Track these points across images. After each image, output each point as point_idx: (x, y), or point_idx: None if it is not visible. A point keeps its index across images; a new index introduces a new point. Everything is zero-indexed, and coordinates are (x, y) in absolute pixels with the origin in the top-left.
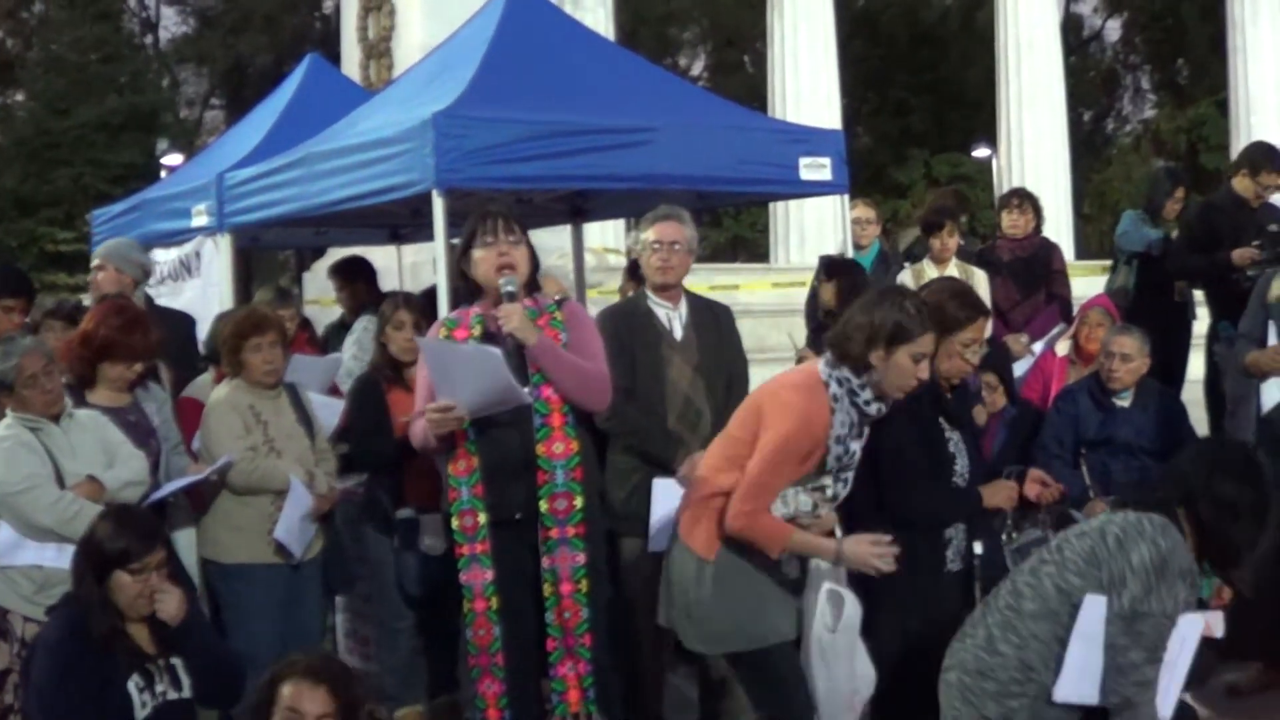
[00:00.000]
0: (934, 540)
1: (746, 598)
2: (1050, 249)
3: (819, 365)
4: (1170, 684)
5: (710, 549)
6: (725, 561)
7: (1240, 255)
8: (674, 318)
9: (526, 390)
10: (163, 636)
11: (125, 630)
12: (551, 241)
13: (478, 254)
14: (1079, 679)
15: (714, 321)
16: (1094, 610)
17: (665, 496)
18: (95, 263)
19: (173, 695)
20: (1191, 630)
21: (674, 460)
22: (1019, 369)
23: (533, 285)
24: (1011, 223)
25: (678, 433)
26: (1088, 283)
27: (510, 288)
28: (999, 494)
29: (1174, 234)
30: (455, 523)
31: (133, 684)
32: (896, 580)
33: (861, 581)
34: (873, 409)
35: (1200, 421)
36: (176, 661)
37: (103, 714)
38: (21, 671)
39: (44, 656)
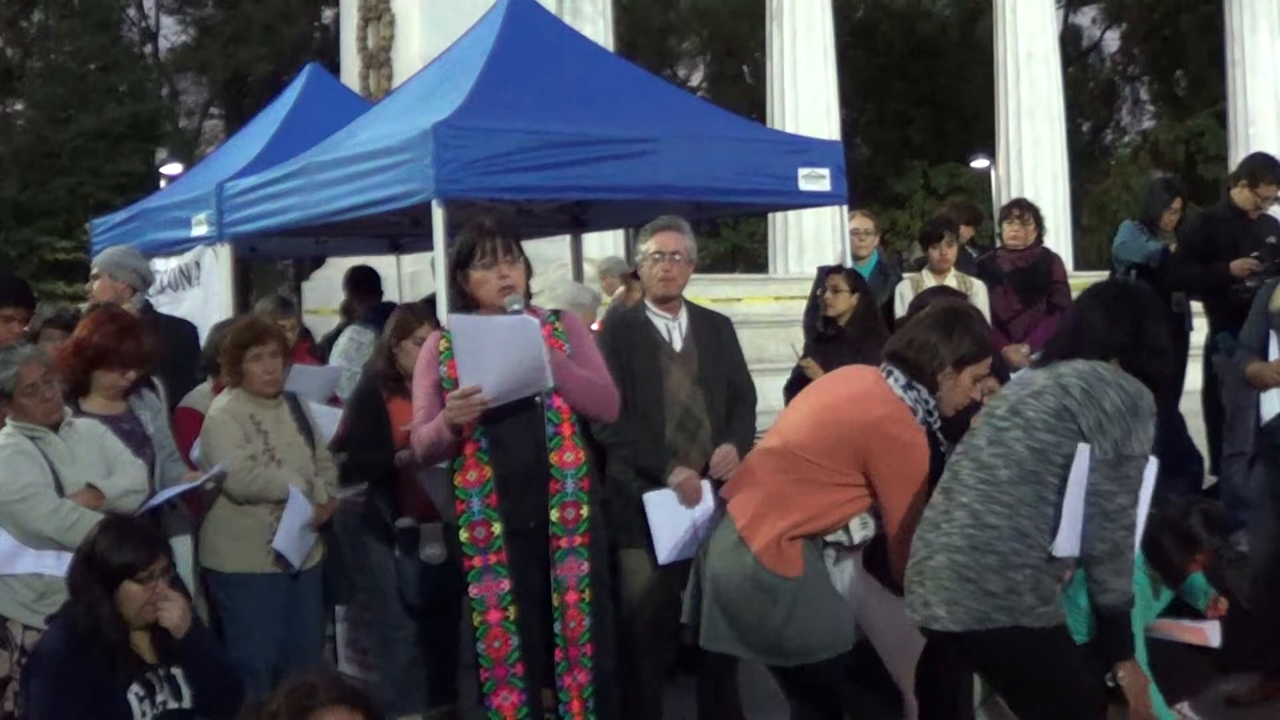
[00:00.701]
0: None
1: (833, 606)
2: (1051, 260)
3: (893, 387)
4: (1065, 511)
5: (794, 567)
6: (810, 575)
7: (1239, 266)
8: (673, 328)
9: (539, 399)
10: (164, 646)
11: (128, 639)
12: (550, 251)
13: (477, 275)
14: (1076, 530)
15: (714, 332)
16: (1085, 460)
17: (660, 509)
18: (93, 271)
19: (173, 705)
20: (1150, 472)
21: (666, 471)
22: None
23: (529, 296)
24: (1013, 233)
25: (675, 443)
26: None
27: (516, 306)
28: None
29: (1173, 245)
30: (465, 535)
31: (133, 694)
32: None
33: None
34: (937, 428)
35: (1198, 432)
36: (177, 671)
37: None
38: (22, 680)
39: (44, 666)
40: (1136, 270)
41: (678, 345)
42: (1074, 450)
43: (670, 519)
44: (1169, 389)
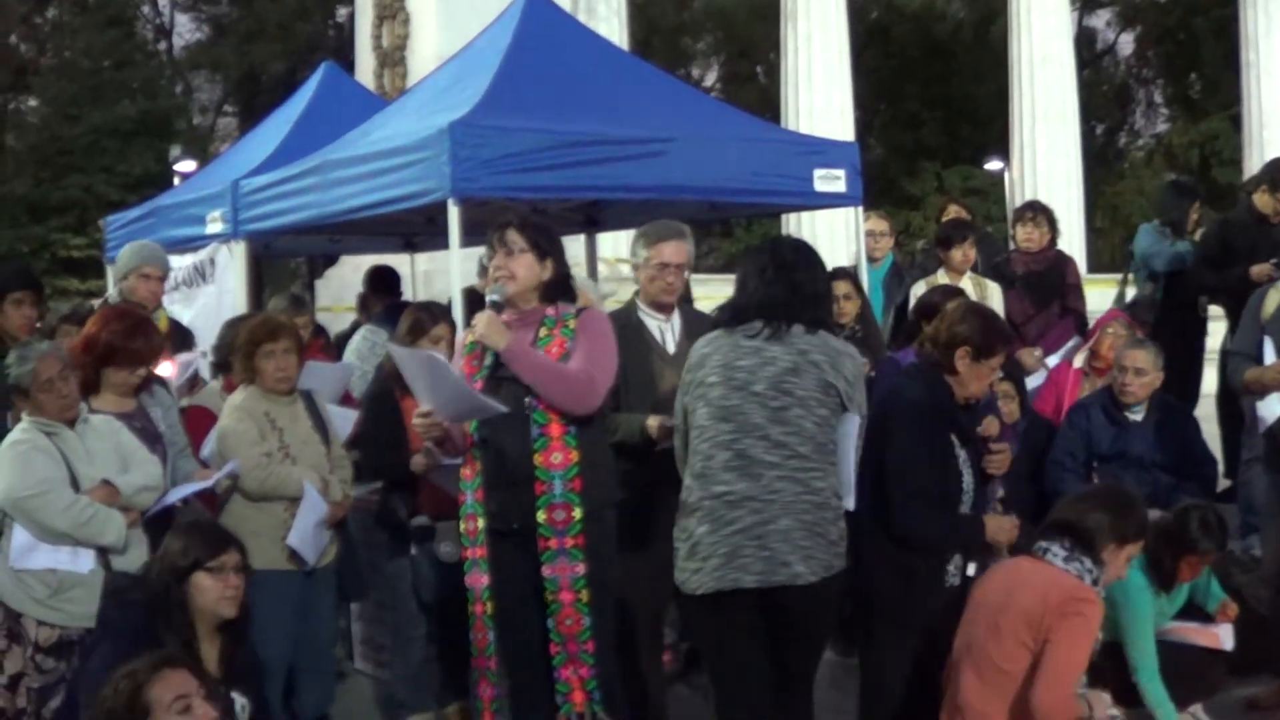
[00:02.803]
0: (935, 557)
1: None
2: (1065, 262)
3: (1052, 562)
4: (848, 474)
5: None
6: None
7: (1258, 271)
8: (666, 330)
9: (526, 400)
10: (229, 665)
11: (195, 646)
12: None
13: (486, 265)
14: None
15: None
16: (853, 426)
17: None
18: (144, 270)
19: None
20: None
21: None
22: (1031, 383)
23: (555, 292)
24: (1026, 236)
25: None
26: (1099, 296)
27: (494, 296)
28: (1001, 529)
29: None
30: (461, 526)
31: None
32: (897, 595)
33: (862, 596)
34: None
35: (1213, 436)
36: (236, 696)
37: None
38: (81, 667)
39: (106, 661)
40: (1164, 275)
41: (671, 348)
42: (843, 418)
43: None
44: (1184, 393)
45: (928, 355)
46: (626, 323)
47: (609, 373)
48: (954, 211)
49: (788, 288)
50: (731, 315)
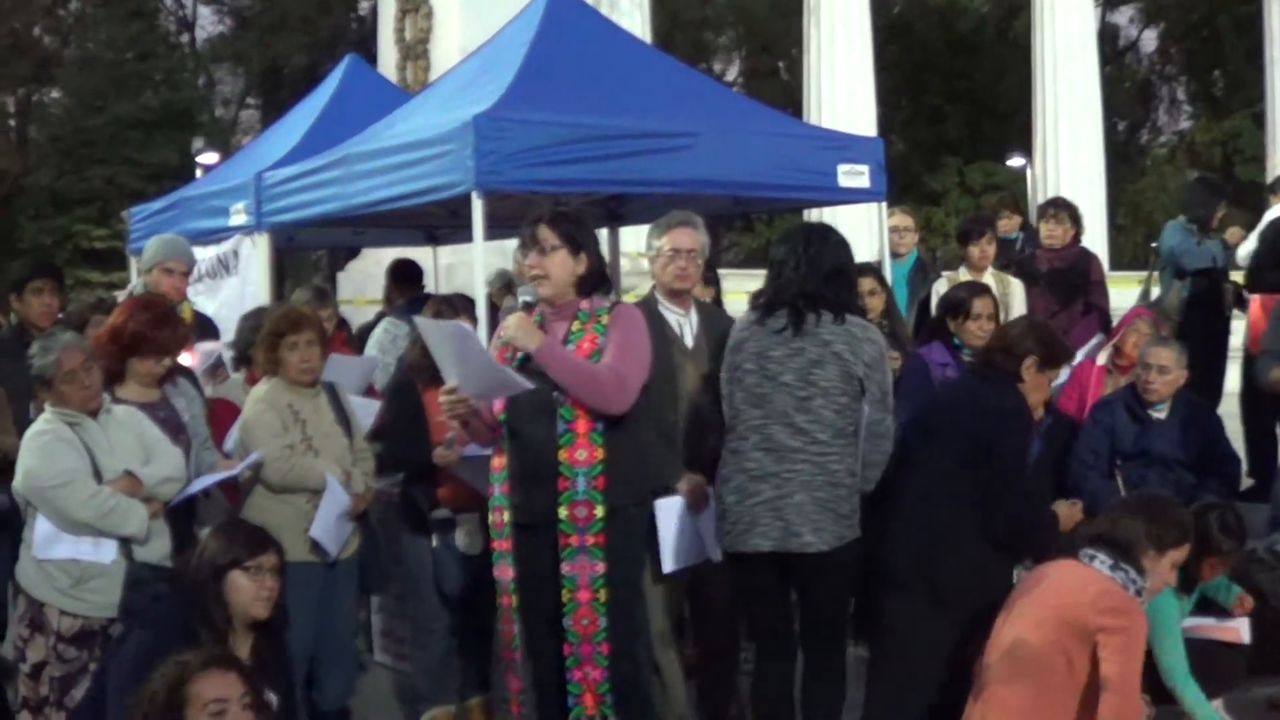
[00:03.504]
0: (1009, 561)
1: None
2: (1089, 259)
3: (1099, 569)
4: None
5: None
6: None
7: None
8: (685, 324)
9: (555, 395)
10: (261, 663)
11: (229, 642)
12: None
13: (519, 263)
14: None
15: (721, 330)
16: (865, 414)
17: (669, 517)
18: (168, 265)
19: None
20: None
21: (675, 479)
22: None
23: (589, 286)
24: (1049, 233)
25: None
26: (1122, 293)
27: (525, 297)
28: (1071, 516)
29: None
30: (490, 518)
31: None
32: (971, 594)
33: (933, 591)
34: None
35: (1236, 434)
36: (266, 691)
37: None
38: (111, 653)
39: (139, 651)
40: (1191, 274)
41: (689, 341)
42: (859, 406)
43: (677, 526)
44: (1208, 390)
45: (998, 364)
46: (647, 314)
47: (641, 370)
48: (1005, 214)
49: (815, 278)
50: (765, 304)
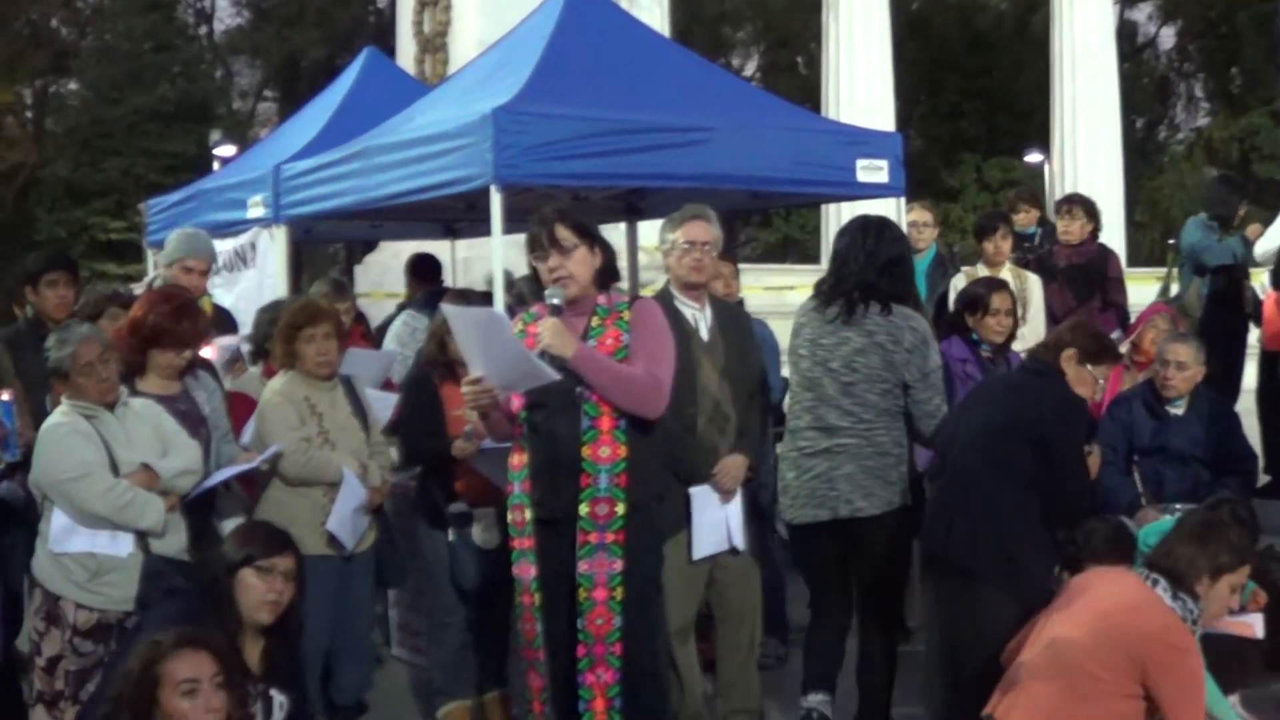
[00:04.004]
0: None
1: None
2: (1106, 255)
3: (1162, 596)
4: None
5: None
6: None
7: None
8: (700, 319)
9: (578, 390)
10: (271, 664)
11: (239, 640)
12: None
13: (538, 267)
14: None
15: (737, 326)
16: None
17: (703, 504)
18: (188, 263)
19: None
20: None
21: (703, 471)
22: None
23: (606, 279)
24: (1064, 228)
25: (707, 437)
26: (1139, 290)
27: (555, 300)
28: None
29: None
30: (510, 516)
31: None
32: (1045, 578)
33: (1015, 578)
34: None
35: (1253, 430)
36: (275, 694)
37: None
38: (119, 650)
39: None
40: (1211, 271)
41: (705, 336)
42: (901, 387)
43: (707, 515)
44: (1226, 387)
45: (1040, 357)
46: (664, 309)
47: (671, 370)
48: (1022, 208)
49: (872, 270)
50: (826, 293)
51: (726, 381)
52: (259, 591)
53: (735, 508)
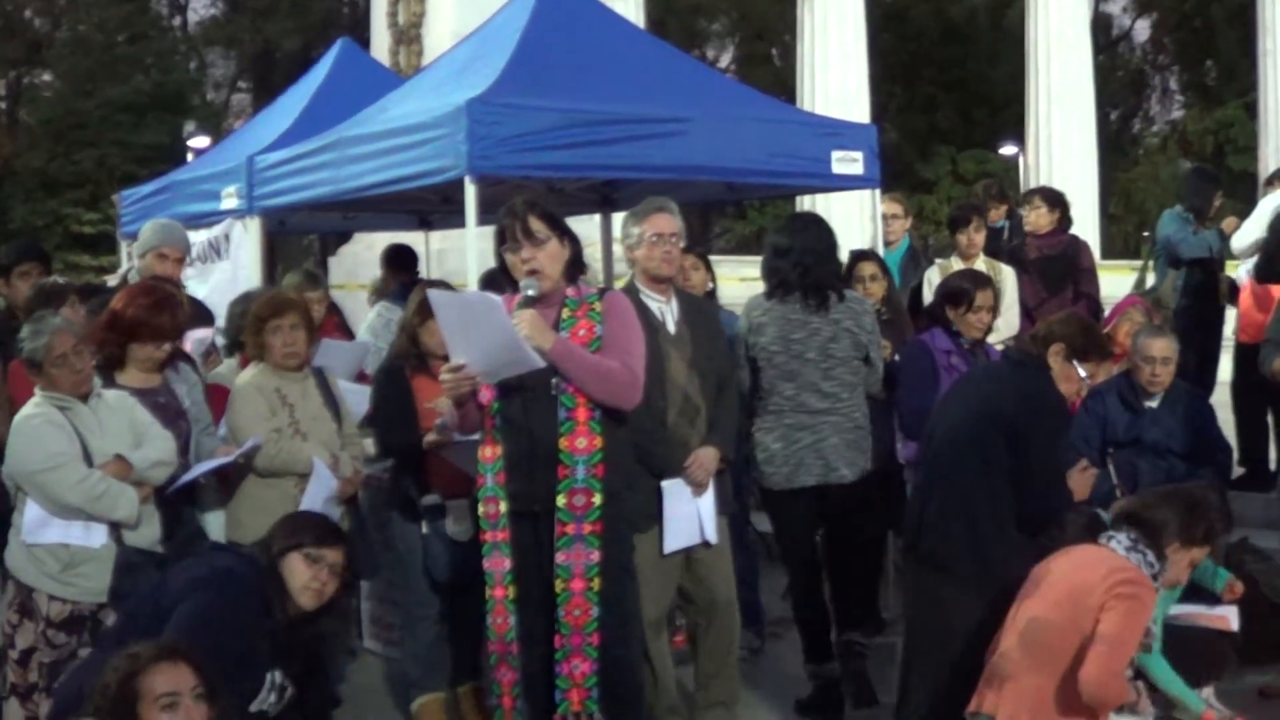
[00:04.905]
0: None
1: None
2: (1078, 246)
3: (1116, 549)
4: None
5: None
6: None
7: None
8: (666, 311)
9: (554, 381)
10: (293, 648)
11: (280, 620)
12: (579, 231)
13: (508, 258)
14: None
15: (704, 318)
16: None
17: (675, 497)
18: (163, 251)
19: (271, 702)
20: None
21: (675, 465)
22: None
23: (575, 271)
24: (1028, 220)
25: (678, 429)
26: (1114, 281)
27: (530, 292)
28: (1084, 484)
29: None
30: (480, 509)
31: (270, 677)
32: (1015, 575)
33: (981, 574)
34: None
35: (1228, 423)
36: (276, 674)
37: (238, 680)
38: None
39: (214, 592)
40: (1185, 263)
41: (672, 329)
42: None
43: (679, 508)
44: (1201, 380)
45: (1027, 350)
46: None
47: (644, 362)
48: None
49: (818, 265)
50: (790, 286)
51: (695, 374)
52: (304, 576)
53: (707, 501)
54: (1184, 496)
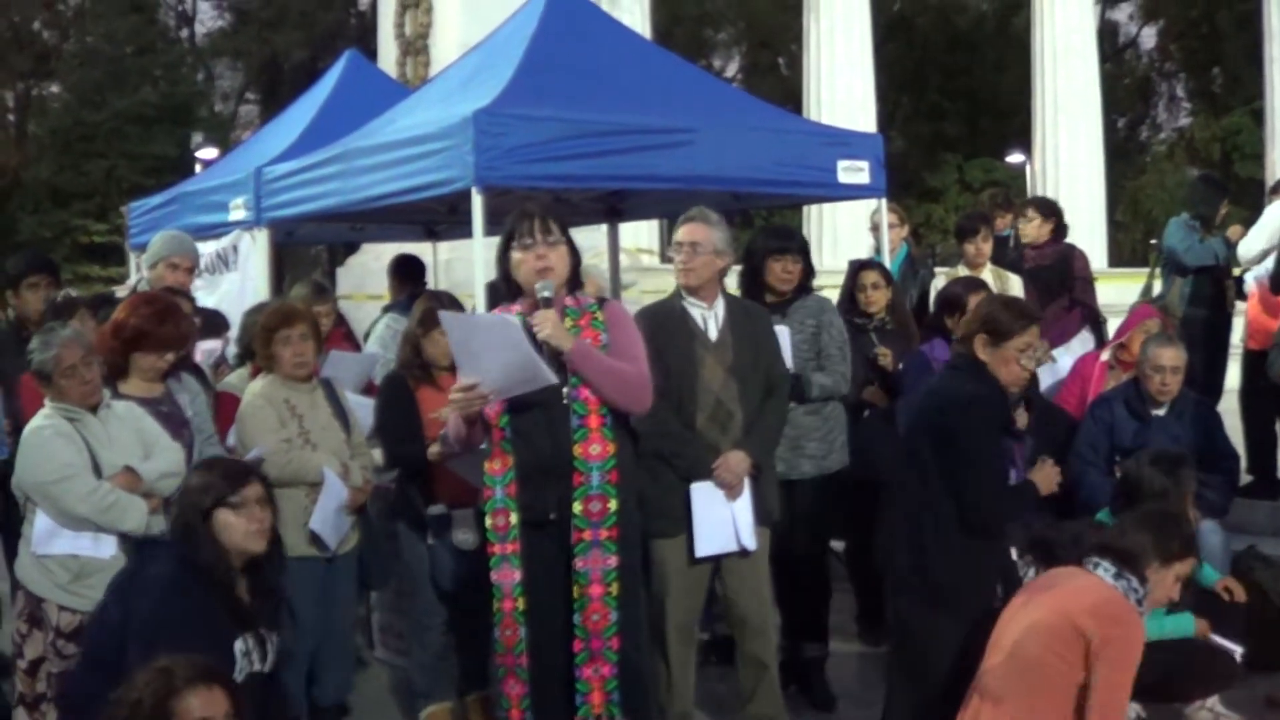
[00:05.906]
0: (998, 548)
1: None
2: (1070, 255)
3: (1103, 577)
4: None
5: None
6: None
7: None
8: (709, 318)
9: (565, 390)
10: (259, 604)
11: (233, 586)
12: (586, 241)
13: (516, 255)
14: None
15: (751, 323)
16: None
17: (705, 500)
18: (173, 260)
19: (257, 666)
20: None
21: (701, 467)
22: (1042, 375)
23: (575, 282)
24: (1024, 231)
25: (707, 434)
26: (1121, 290)
27: (546, 293)
28: (1049, 480)
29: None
30: (489, 521)
31: (239, 646)
32: (965, 588)
33: (927, 588)
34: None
35: (1236, 430)
36: (267, 634)
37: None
38: (113, 602)
39: (155, 591)
40: (1194, 271)
41: (713, 335)
42: None
43: (710, 512)
44: (1209, 387)
45: (964, 352)
46: (671, 312)
47: (647, 367)
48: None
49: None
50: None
51: (734, 379)
52: (241, 527)
53: (743, 506)
54: (1152, 517)
